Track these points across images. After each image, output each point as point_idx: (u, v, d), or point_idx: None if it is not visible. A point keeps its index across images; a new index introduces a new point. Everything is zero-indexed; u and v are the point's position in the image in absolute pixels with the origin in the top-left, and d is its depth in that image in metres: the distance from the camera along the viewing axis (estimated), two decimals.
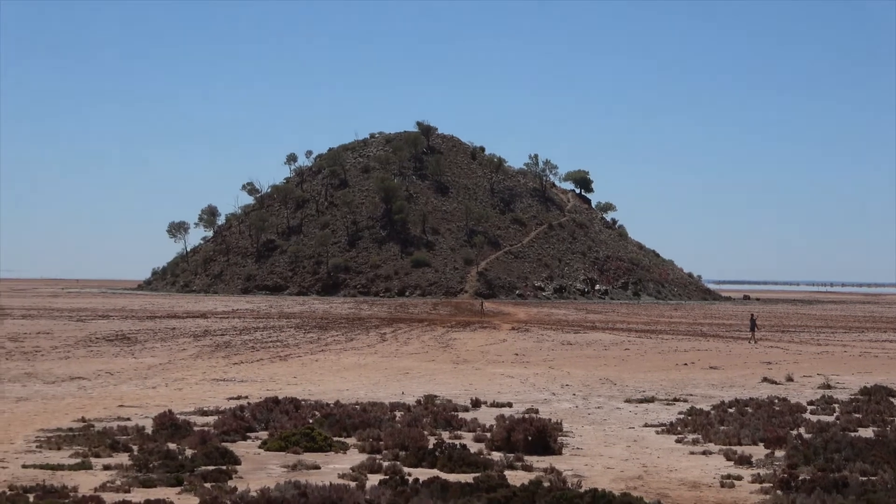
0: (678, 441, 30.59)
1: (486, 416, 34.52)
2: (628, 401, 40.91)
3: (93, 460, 25.56)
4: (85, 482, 22.74)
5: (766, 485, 23.48)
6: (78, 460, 25.52)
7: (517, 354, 64.71)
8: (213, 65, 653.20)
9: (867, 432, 31.81)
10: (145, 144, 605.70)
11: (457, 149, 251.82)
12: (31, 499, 20.83)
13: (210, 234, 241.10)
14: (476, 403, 38.33)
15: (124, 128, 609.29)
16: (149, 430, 29.85)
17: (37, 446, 27.78)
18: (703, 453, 28.44)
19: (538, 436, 28.37)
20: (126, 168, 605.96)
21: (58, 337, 72.30)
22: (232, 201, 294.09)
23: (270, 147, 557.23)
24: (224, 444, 27.57)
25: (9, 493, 21.34)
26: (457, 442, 28.78)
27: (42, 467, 24.65)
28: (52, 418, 33.35)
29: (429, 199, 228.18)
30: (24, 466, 24.79)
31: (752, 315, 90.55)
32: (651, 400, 41.09)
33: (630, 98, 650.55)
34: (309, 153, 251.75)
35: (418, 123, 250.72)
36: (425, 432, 30.17)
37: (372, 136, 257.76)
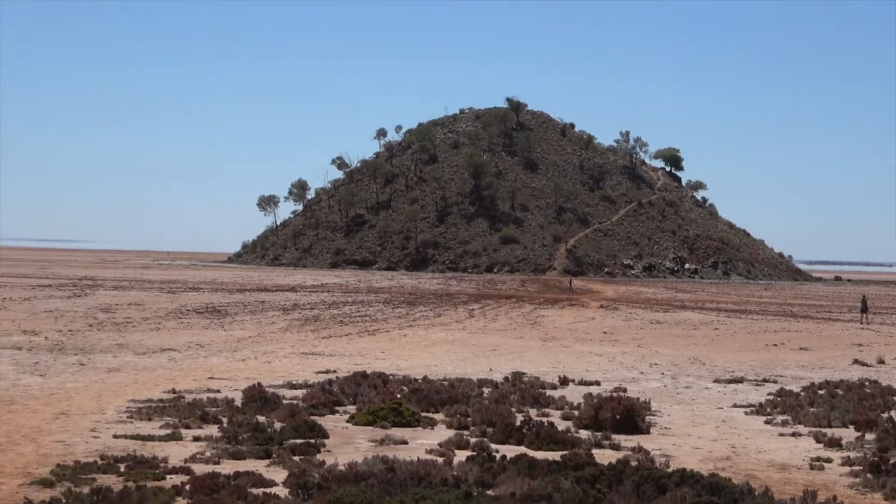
0: (767, 422, 30.31)
1: (574, 394, 34.41)
2: (717, 381, 40.59)
3: (183, 431, 25.80)
4: (175, 453, 22.96)
5: (856, 468, 23.16)
6: (168, 431, 25.77)
7: (605, 332, 64.48)
8: (306, 39, 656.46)
9: None
10: (237, 120, 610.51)
11: (546, 125, 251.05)
12: (122, 469, 21.05)
13: (300, 208, 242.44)
14: (564, 381, 38.24)
15: (216, 103, 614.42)
16: (238, 403, 30.08)
17: (128, 417, 28.08)
18: (793, 435, 28.16)
19: (626, 415, 28.24)
20: (218, 142, 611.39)
21: (149, 308, 73.11)
22: (322, 175, 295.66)
23: (360, 122, 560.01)
24: (312, 417, 27.71)
25: (100, 462, 21.59)
26: (544, 419, 28.71)
27: (133, 438, 24.92)
28: (143, 389, 33.72)
29: (518, 175, 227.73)
30: (116, 436, 25.08)
31: (864, 297, 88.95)
32: (740, 380, 40.74)
33: (721, 76, 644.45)
34: (399, 128, 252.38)
35: (508, 99, 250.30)
36: (513, 409, 30.13)
37: (461, 111, 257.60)
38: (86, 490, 18.83)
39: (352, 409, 30.30)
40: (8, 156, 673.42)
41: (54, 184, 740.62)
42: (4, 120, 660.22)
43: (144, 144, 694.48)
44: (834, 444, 26.57)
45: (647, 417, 29.49)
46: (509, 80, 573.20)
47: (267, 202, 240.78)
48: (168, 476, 20.59)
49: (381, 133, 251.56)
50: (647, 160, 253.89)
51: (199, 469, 21.15)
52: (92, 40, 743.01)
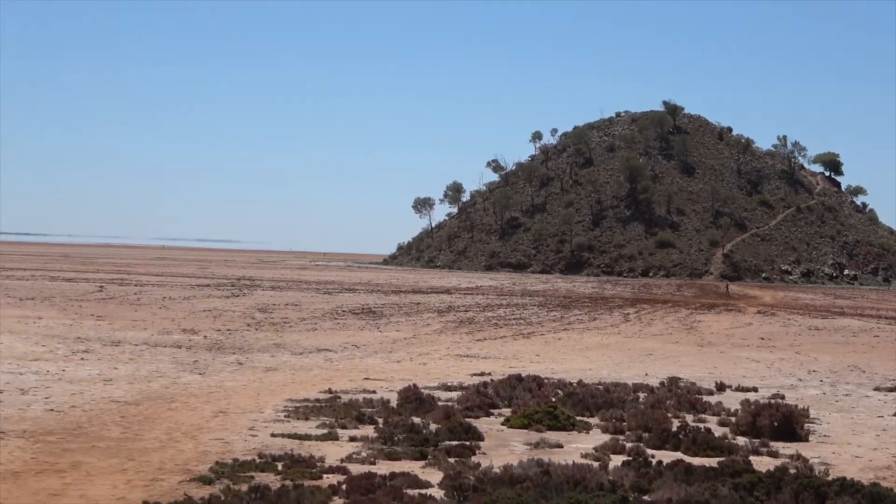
0: None
1: (731, 401, 33.94)
2: (878, 389, 39.72)
3: (339, 431, 26.01)
4: (331, 453, 23.16)
5: None
6: (325, 431, 26.01)
7: (763, 338, 63.53)
8: (463, 41, 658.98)
9: None
10: (394, 122, 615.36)
11: (703, 129, 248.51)
12: (280, 467, 21.29)
13: (455, 210, 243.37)
14: (720, 387, 37.77)
15: (374, 107, 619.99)
16: (394, 404, 30.24)
17: (285, 416, 28.42)
18: None
19: (784, 422, 27.77)
20: (375, 144, 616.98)
21: (305, 309, 73.96)
22: (477, 178, 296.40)
23: (516, 124, 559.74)
24: (467, 419, 27.73)
25: (258, 460, 21.86)
26: (700, 425, 28.34)
27: (290, 437, 25.20)
28: (300, 388, 34.09)
29: (674, 179, 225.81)
30: (273, 435, 25.39)
31: None
32: None
33: (883, 79, 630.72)
34: (554, 131, 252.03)
35: (664, 103, 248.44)
36: (668, 414, 29.82)
37: (617, 114, 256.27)
38: (244, 488, 19.08)
39: (507, 411, 30.27)
40: (172, 164, 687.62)
41: (217, 187, 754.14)
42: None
43: (304, 148, 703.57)
44: None
45: (805, 425, 28.94)
46: (666, 84, 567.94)
47: (422, 204, 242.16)
48: (325, 475, 20.76)
49: (537, 136, 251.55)
50: (805, 165, 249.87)
51: (356, 469, 21.29)
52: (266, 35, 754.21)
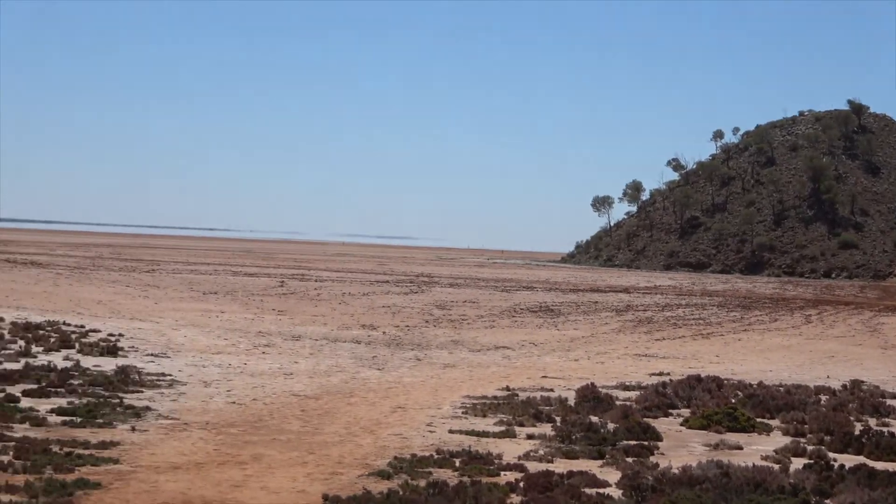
0: None
1: None
2: None
3: (516, 429, 26.01)
4: (509, 450, 23.16)
5: None
6: (502, 428, 26.03)
7: None
8: (643, 41, 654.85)
9: None
10: (572, 119, 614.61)
11: (889, 128, 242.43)
12: (458, 463, 21.36)
13: (634, 209, 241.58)
14: None
15: (551, 103, 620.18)
16: (571, 402, 30.13)
17: (462, 412, 28.52)
18: None
19: None
20: (552, 142, 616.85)
21: (483, 306, 74.16)
22: (657, 177, 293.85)
23: (696, 123, 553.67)
24: (646, 419, 27.51)
25: (436, 456, 21.97)
26: (884, 429, 27.66)
27: (468, 433, 25.27)
28: (478, 385, 34.18)
29: (858, 179, 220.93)
30: (451, 431, 25.49)
31: None
32: None
33: None
34: (736, 130, 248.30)
35: (849, 102, 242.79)
36: (851, 418, 29.19)
37: (801, 113, 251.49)
38: (422, 483, 19.18)
39: (685, 412, 29.93)
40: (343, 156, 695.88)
41: (395, 185, 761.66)
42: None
43: (482, 146, 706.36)
44: None
45: None
46: (851, 82, 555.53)
47: (601, 203, 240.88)
48: (502, 473, 20.78)
49: (718, 135, 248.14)
50: None
51: (533, 467, 21.27)
52: None
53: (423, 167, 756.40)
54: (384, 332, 51.41)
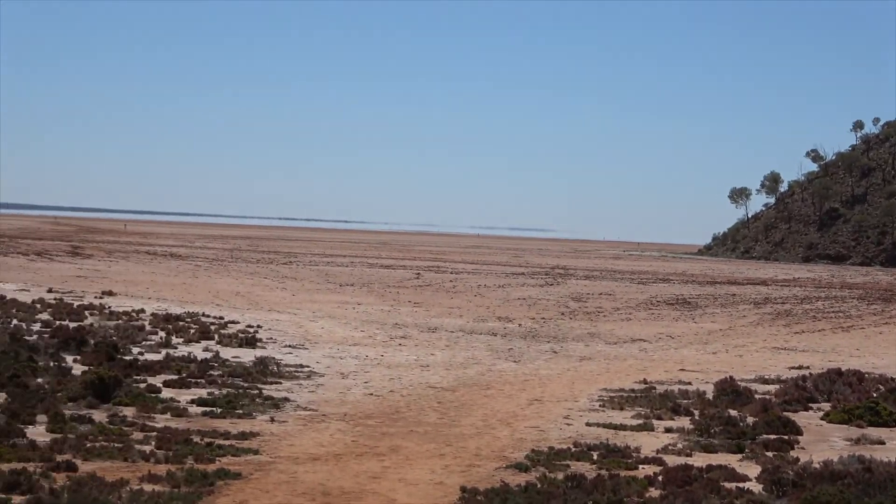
0: None
1: None
2: None
3: (654, 422, 25.80)
4: (647, 443, 22.99)
5: None
6: (640, 421, 25.85)
7: None
8: (783, 32, 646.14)
9: None
10: (708, 110, 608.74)
11: None
12: (595, 456, 21.26)
13: (772, 200, 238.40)
14: None
15: (687, 95, 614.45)
16: (709, 395, 29.79)
17: (600, 405, 28.37)
18: None
19: None
20: (688, 133, 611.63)
21: (619, 298, 73.72)
22: (795, 168, 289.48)
23: (836, 114, 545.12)
24: (785, 413, 27.09)
25: (574, 449, 21.88)
26: None
27: (605, 426, 25.14)
28: (615, 378, 33.99)
29: None
30: (588, 424, 25.38)
31: None
32: None
33: None
34: (876, 120, 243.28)
35: None
36: None
37: None
38: (560, 476, 19.11)
39: (825, 406, 29.40)
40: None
41: (527, 177, 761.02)
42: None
43: (620, 134, 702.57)
44: None
45: None
46: None
47: (738, 194, 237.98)
48: (640, 466, 20.63)
49: (858, 125, 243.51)
50: None
51: (671, 460, 21.07)
52: None
53: (559, 160, 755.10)
54: (520, 325, 51.37)
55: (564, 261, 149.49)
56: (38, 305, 46.70)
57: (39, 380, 27.19)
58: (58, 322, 40.78)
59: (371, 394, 28.80)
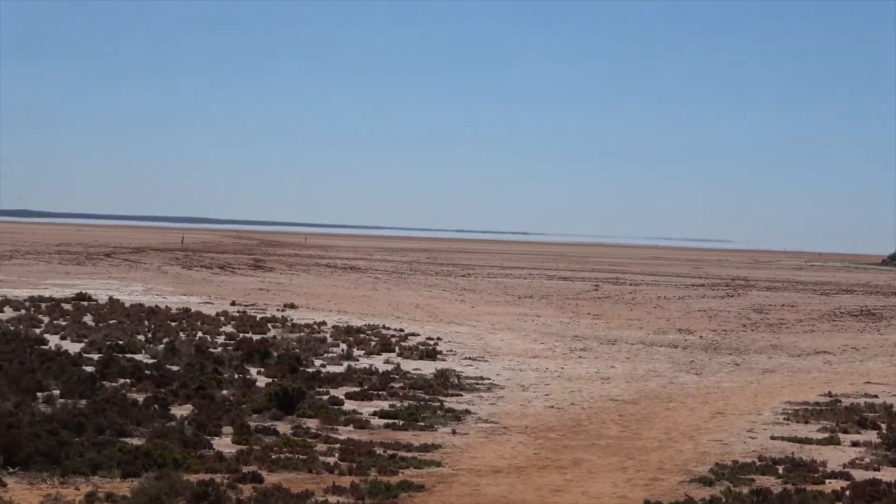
0: None
1: None
2: None
3: (840, 436, 25.30)
4: (833, 457, 22.54)
5: None
6: (825, 435, 25.36)
7: None
8: None
9: None
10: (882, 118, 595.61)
11: None
12: (780, 471, 20.93)
13: None
14: None
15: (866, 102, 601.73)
16: None
17: (784, 418, 27.91)
18: None
19: None
20: (875, 144, 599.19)
21: (802, 310, 72.44)
22: None
23: None
24: None
25: (758, 463, 21.58)
26: None
27: (789, 440, 24.73)
28: (798, 391, 33.41)
29: None
30: (773, 438, 24.98)
31: None
32: None
33: None
34: None
35: None
36: None
37: None
38: (745, 490, 18.85)
39: None
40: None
41: (711, 187, 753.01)
42: None
43: (801, 144, 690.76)
44: None
45: None
46: None
47: None
48: (827, 480, 20.26)
49: None
50: None
51: (858, 475, 20.63)
52: None
53: (739, 170, 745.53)
54: (701, 337, 50.81)
55: (744, 272, 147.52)
56: (222, 318, 47.67)
57: (225, 392, 27.73)
58: (241, 334, 41.61)
59: (552, 406, 28.75)
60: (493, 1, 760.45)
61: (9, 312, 45.90)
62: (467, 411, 27.03)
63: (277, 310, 54.52)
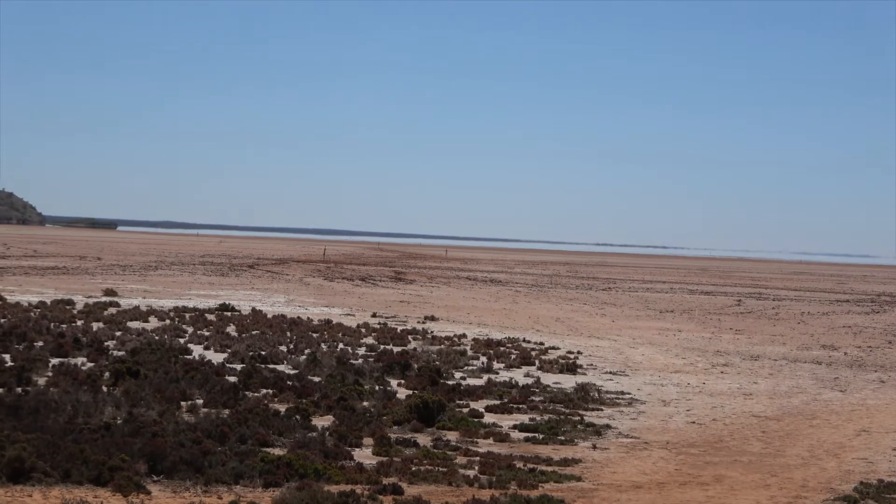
0: None
1: None
2: None
3: None
4: None
5: None
6: None
7: None
8: None
9: None
10: None
11: None
12: None
13: None
14: None
15: None
16: None
17: None
18: None
19: None
20: None
21: None
22: None
23: None
24: None
25: None
26: None
27: None
28: None
29: None
30: None
31: None
32: None
33: None
34: None
35: None
36: None
37: None
38: None
39: None
40: None
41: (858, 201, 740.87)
42: None
43: None
44: None
45: None
46: None
47: None
48: None
49: None
50: None
51: None
52: None
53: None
54: (845, 353, 49.92)
55: (891, 287, 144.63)
56: (363, 330, 48.03)
57: (365, 403, 27.90)
58: (382, 346, 41.88)
59: (693, 422, 28.47)
60: None
61: (154, 322, 46.82)
62: (608, 426, 26.89)
63: (418, 322, 54.81)
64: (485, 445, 23.60)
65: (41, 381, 28.27)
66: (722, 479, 21.29)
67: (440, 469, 20.64)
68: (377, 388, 30.34)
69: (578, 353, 43.77)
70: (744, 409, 31.03)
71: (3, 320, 42.66)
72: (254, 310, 55.23)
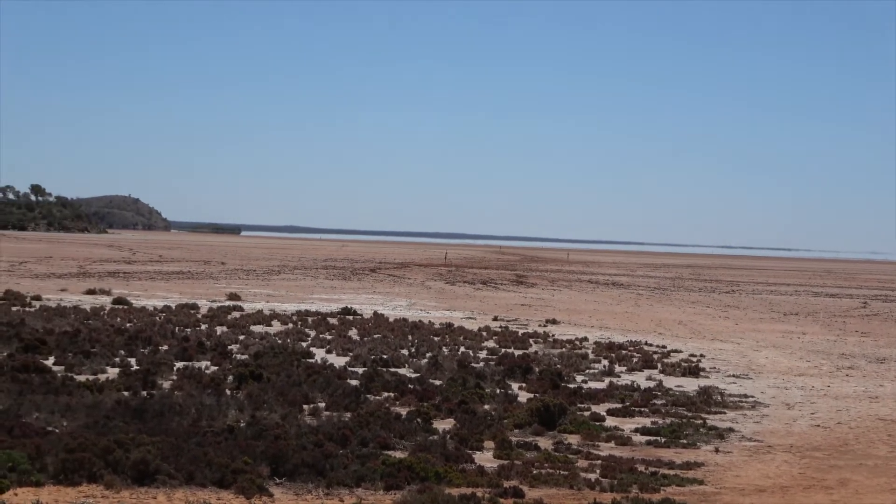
0: None
1: None
2: None
3: None
4: None
5: None
6: None
7: None
8: None
9: None
10: None
11: None
12: None
13: None
14: None
15: None
16: None
17: None
18: None
19: None
20: None
21: None
22: None
23: None
24: None
25: None
26: None
27: None
28: None
29: None
30: None
31: None
32: None
33: None
34: None
35: None
36: None
37: None
38: None
39: None
40: None
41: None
42: None
43: None
44: None
45: None
46: None
47: None
48: None
49: None
50: None
51: None
52: None
53: None
54: None
55: None
56: (485, 333, 48.09)
57: (486, 406, 27.93)
58: (503, 349, 41.90)
59: (818, 425, 28.09)
60: None
61: (277, 326, 47.32)
62: (731, 429, 26.63)
63: (539, 325, 54.77)
64: (606, 449, 23.51)
65: (166, 384, 28.73)
66: (847, 482, 20.99)
67: (561, 472, 20.60)
68: (498, 391, 30.34)
69: (701, 356, 43.42)
70: (869, 412, 30.56)
71: (129, 324, 43.51)
72: (375, 313, 55.59)
